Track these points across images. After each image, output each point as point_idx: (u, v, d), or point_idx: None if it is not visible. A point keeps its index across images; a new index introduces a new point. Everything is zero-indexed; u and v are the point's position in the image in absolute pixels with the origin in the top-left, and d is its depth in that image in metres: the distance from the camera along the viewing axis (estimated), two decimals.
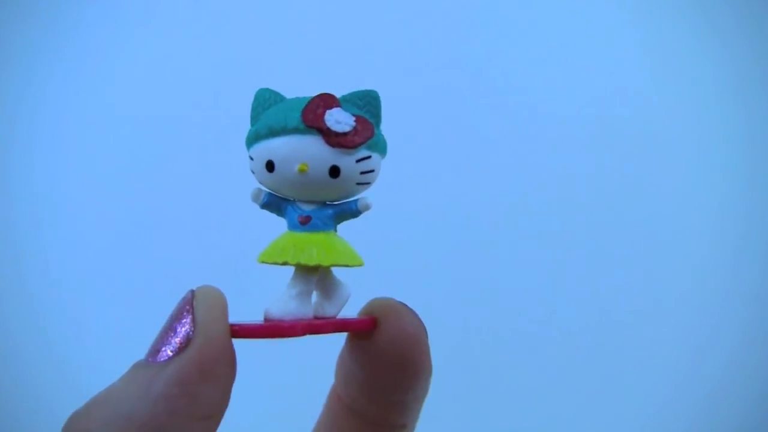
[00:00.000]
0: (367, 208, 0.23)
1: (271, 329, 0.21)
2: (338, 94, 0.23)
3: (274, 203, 0.23)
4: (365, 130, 0.22)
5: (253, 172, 0.23)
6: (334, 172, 0.22)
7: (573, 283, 0.54)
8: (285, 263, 0.22)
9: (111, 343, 0.58)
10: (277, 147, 0.22)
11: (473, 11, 0.57)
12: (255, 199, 0.23)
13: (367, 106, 0.23)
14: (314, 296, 0.23)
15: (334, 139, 0.22)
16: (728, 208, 0.53)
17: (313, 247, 0.22)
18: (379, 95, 0.23)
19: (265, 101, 0.23)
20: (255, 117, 0.23)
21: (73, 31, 0.60)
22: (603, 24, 0.56)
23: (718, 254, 0.53)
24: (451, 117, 0.55)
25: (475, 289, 0.55)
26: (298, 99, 0.23)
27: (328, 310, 0.23)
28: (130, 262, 0.59)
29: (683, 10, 0.53)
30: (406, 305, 0.24)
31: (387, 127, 0.24)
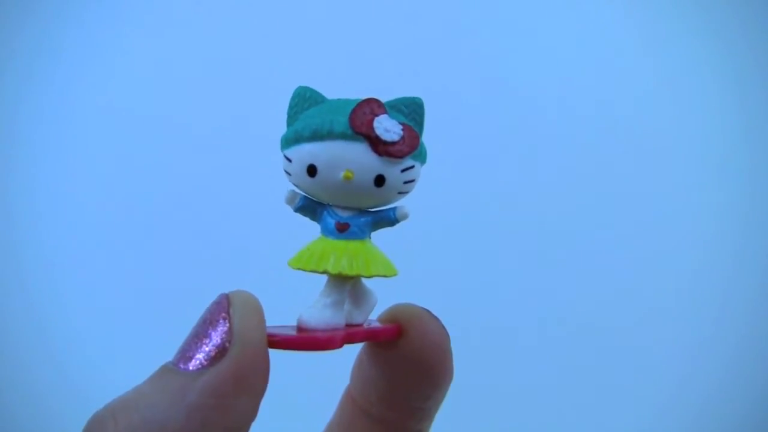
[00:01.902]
0: (405, 217, 0.23)
1: (311, 342, 0.21)
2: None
3: (309, 207, 0.23)
4: (412, 140, 0.22)
5: (287, 173, 0.22)
6: (379, 181, 0.21)
7: (573, 284, 0.55)
8: (325, 272, 0.22)
9: (112, 344, 0.56)
10: (321, 152, 0.21)
11: (474, 13, 0.56)
12: (289, 201, 0.22)
13: (412, 114, 0.22)
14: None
15: (382, 147, 0.21)
16: (728, 209, 0.54)
17: (352, 256, 0.22)
18: (424, 103, 0.23)
19: (305, 101, 0.22)
20: (293, 116, 0.22)
21: (74, 28, 0.57)
22: (604, 24, 0.56)
23: (719, 255, 0.54)
24: (451, 119, 0.54)
25: (473, 290, 0.55)
26: (341, 101, 0.22)
27: (357, 318, 0.23)
28: (132, 263, 0.57)
29: (683, 11, 0.54)
30: (429, 312, 0.23)
31: None
